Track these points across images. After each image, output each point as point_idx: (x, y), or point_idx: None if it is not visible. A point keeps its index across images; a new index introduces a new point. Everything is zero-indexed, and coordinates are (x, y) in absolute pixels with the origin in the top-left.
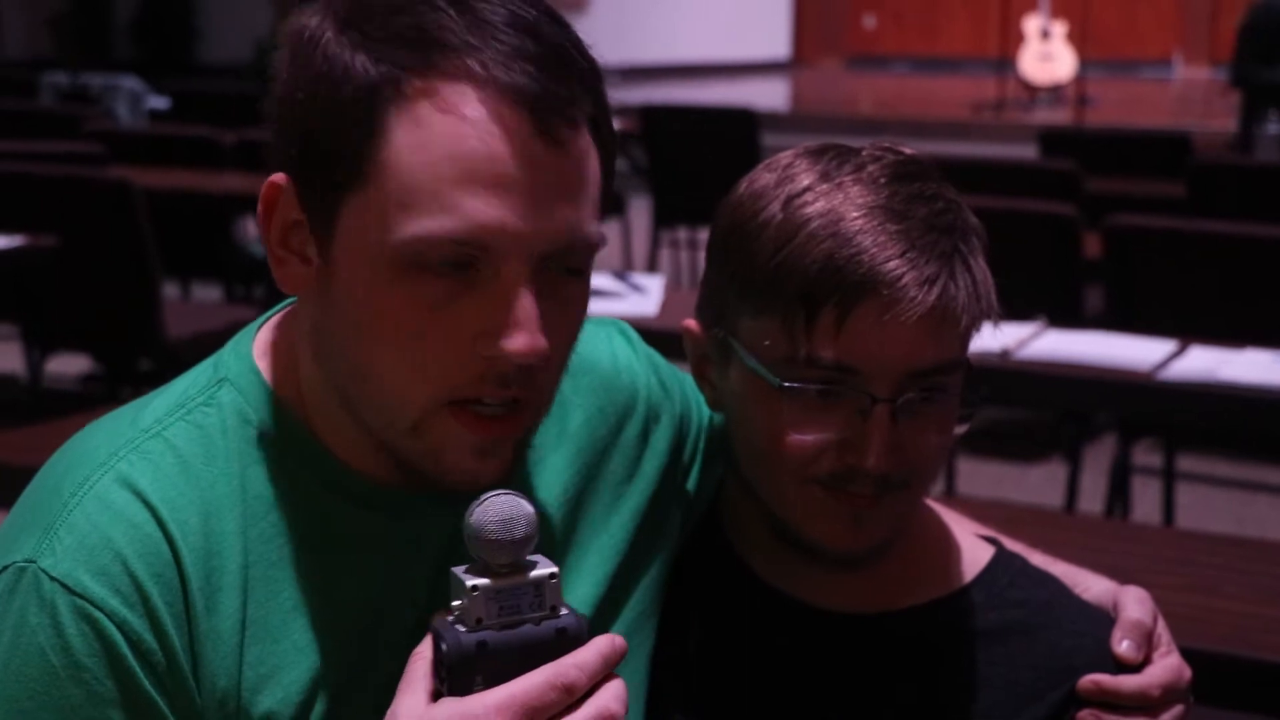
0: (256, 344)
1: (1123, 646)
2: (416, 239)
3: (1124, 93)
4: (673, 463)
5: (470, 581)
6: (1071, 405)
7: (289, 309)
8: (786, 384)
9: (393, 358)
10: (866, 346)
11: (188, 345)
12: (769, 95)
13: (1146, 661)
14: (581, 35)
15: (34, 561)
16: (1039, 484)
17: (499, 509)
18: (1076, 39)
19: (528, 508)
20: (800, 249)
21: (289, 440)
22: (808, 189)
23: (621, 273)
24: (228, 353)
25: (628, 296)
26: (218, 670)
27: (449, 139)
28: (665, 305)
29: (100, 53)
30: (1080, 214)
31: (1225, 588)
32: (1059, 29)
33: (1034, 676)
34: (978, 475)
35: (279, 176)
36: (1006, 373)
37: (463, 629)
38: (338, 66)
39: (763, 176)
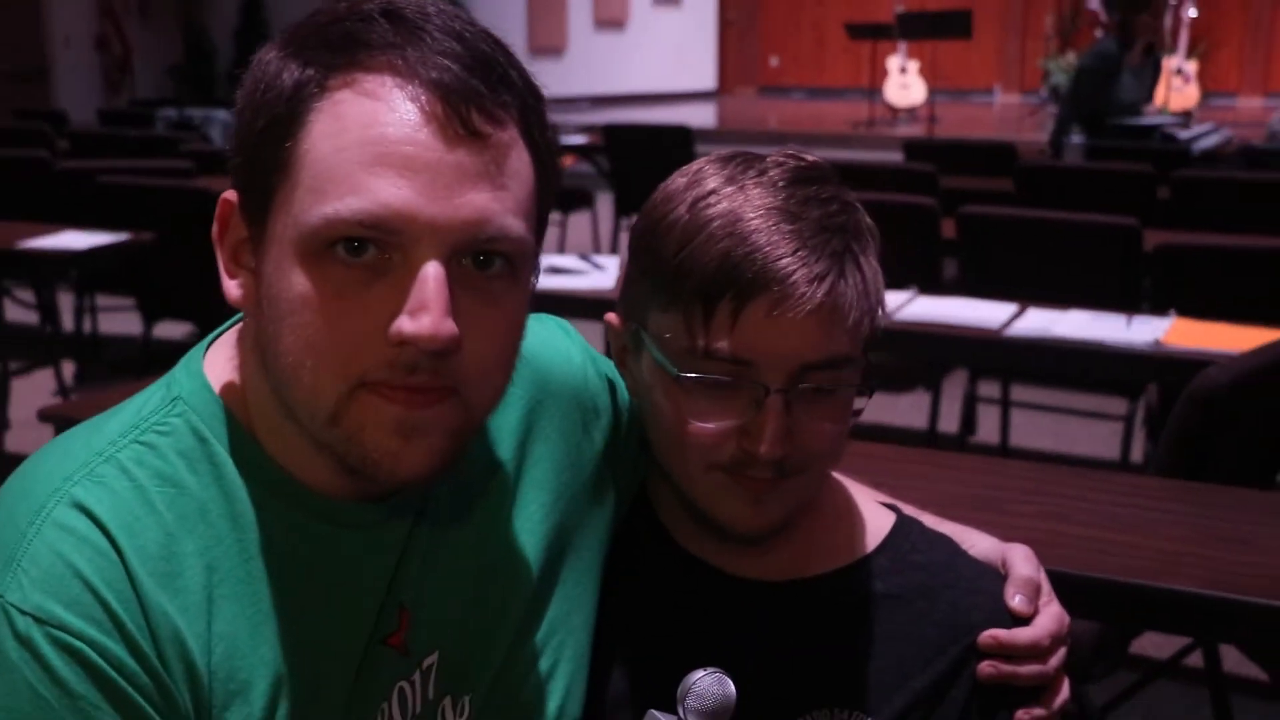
0: (208, 361)
1: (1015, 601)
2: (324, 221)
3: (960, 114)
4: (608, 451)
5: None
6: (938, 357)
7: (239, 326)
8: (683, 375)
9: (304, 347)
10: (760, 340)
11: None
12: (700, 116)
13: (1035, 613)
14: (559, 74)
15: (1, 596)
16: (907, 409)
17: (720, 691)
18: (927, 73)
19: (732, 692)
20: (700, 247)
21: (244, 457)
22: (712, 192)
23: (585, 255)
24: (180, 371)
25: (590, 274)
26: (187, 692)
27: (362, 123)
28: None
29: (206, 92)
30: (938, 205)
31: (1073, 515)
32: (913, 65)
33: (937, 633)
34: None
35: (230, 193)
36: (887, 331)
37: None
38: (270, 76)
39: (676, 181)
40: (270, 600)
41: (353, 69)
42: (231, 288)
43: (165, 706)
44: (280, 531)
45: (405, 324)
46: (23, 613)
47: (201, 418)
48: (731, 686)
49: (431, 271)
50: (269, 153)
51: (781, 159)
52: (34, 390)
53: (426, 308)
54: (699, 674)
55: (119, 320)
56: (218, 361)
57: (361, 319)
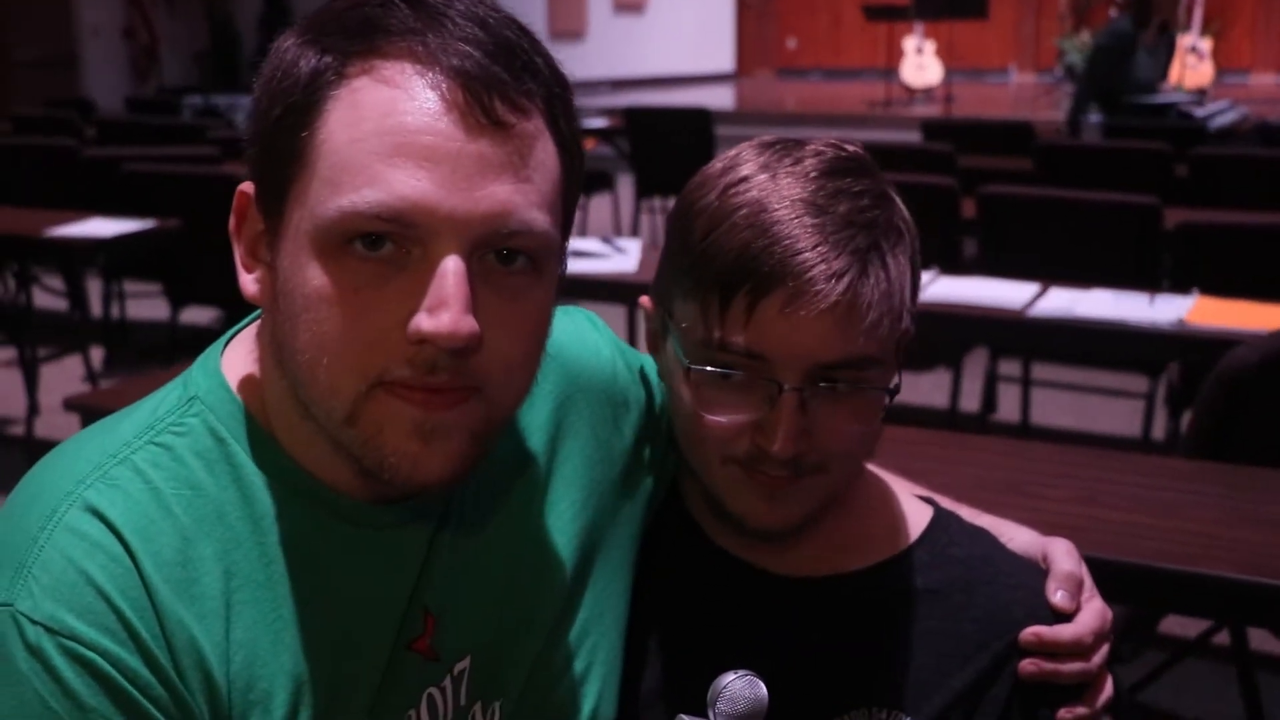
0: (225, 359)
1: (1058, 597)
2: (340, 214)
3: (976, 93)
4: (639, 445)
5: None
6: (961, 337)
7: (256, 323)
8: (692, 367)
9: (321, 344)
10: (775, 335)
11: None
12: (718, 98)
13: (1077, 609)
14: (579, 57)
15: (10, 605)
16: (928, 388)
17: (751, 694)
18: (943, 53)
19: (764, 695)
20: (723, 236)
21: (263, 458)
22: (745, 179)
23: (608, 237)
24: (197, 369)
25: (612, 257)
26: (204, 703)
27: (381, 112)
28: (643, 263)
29: (231, 79)
30: (957, 184)
31: (1102, 498)
32: (930, 46)
33: (976, 629)
34: None
35: (246, 185)
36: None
37: None
38: (288, 64)
39: (714, 165)
40: (291, 605)
41: (371, 56)
42: (248, 282)
43: (181, 718)
44: (301, 533)
45: (424, 321)
46: (34, 622)
47: (219, 417)
48: (763, 689)
49: (451, 266)
50: (285, 143)
51: (821, 148)
52: (64, 376)
53: (446, 304)
54: (729, 677)
55: (146, 306)
56: (236, 359)
57: (380, 315)
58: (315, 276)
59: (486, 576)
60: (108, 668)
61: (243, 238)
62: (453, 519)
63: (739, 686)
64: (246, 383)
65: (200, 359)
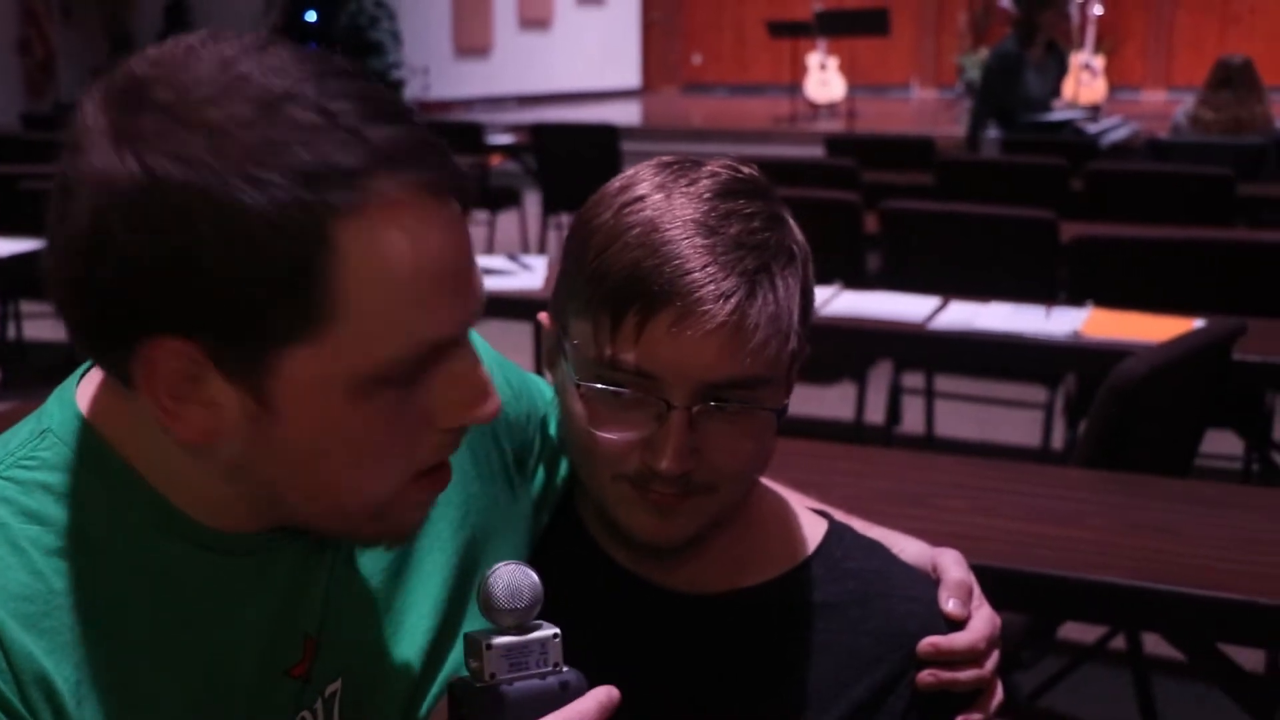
0: (80, 390)
1: (950, 605)
2: (389, 359)
3: (879, 109)
4: (520, 461)
5: (484, 640)
6: (864, 351)
7: None
8: (581, 384)
9: (366, 469)
10: (664, 354)
11: None
12: (625, 114)
13: (969, 617)
14: (485, 74)
15: None
16: (834, 401)
17: (507, 579)
18: (846, 69)
19: (533, 577)
20: (615, 255)
21: (119, 487)
22: (640, 198)
23: (514, 255)
24: (52, 402)
25: (518, 274)
26: None
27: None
28: (549, 280)
29: None
30: (860, 199)
31: (1001, 508)
32: (833, 62)
33: (872, 642)
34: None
35: (177, 345)
36: (814, 326)
37: (479, 685)
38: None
39: (613, 183)
40: (151, 636)
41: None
42: (181, 428)
43: None
44: (159, 563)
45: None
46: None
47: (71, 449)
48: (534, 574)
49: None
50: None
51: (717, 169)
52: None
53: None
54: (496, 571)
55: (44, 326)
56: (92, 389)
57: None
58: (356, 414)
59: (364, 598)
60: None
61: (161, 386)
62: (328, 540)
63: (516, 575)
64: (104, 413)
65: (55, 392)
